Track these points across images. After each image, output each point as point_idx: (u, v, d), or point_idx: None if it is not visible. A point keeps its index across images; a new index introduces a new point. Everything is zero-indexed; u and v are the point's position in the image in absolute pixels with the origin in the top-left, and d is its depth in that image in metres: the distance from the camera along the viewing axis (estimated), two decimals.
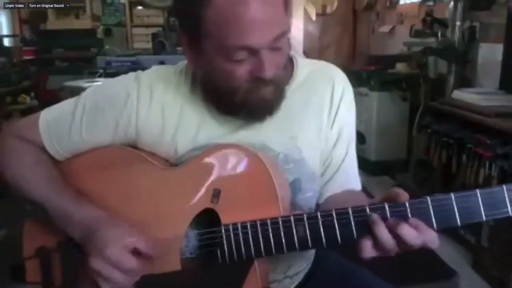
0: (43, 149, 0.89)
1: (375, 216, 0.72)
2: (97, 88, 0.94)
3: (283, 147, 0.87)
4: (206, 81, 0.86)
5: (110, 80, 0.94)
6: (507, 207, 0.72)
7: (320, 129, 0.91)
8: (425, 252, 0.76)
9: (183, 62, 0.92)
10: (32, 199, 0.85)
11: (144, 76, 0.89)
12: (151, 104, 0.86)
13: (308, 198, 0.89)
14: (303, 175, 0.88)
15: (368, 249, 0.71)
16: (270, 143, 0.86)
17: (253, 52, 0.74)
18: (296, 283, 0.96)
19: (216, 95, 0.83)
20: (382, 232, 0.70)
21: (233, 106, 0.82)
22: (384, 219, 0.72)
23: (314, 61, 0.96)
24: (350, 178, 0.94)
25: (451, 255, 2.36)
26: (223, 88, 0.80)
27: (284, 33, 0.76)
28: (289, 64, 0.91)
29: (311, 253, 1.00)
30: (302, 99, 0.90)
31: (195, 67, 0.87)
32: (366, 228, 0.73)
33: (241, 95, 0.79)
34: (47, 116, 0.90)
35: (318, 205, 0.93)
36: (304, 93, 0.90)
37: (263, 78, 0.76)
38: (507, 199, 0.72)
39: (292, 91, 0.88)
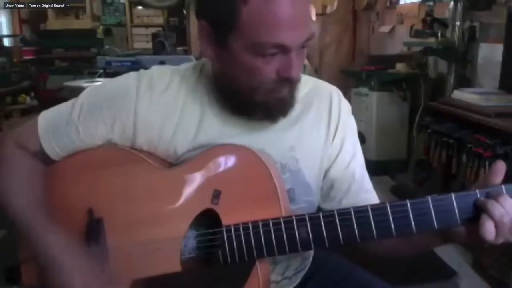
0: (39, 155, 0.88)
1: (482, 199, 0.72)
2: (96, 87, 0.93)
3: (281, 156, 0.87)
4: (222, 77, 0.84)
5: (109, 79, 0.93)
6: None
7: (319, 143, 0.91)
8: (425, 252, 0.77)
9: (186, 64, 0.92)
10: (6, 211, 0.83)
11: (145, 74, 0.88)
12: (150, 102, 0.85)
13: (302, 209, 0.87)
14: (298, 186, 0.88)
15: (492, 229, 0.70)
16: (269, 151, 0.86)
17: (285, 50, 0.75)
18: (294, 284, 0.95)
19: (233, 93, 0.82)
20: (495, 206, 0.70)
21: (250, 105, 0.81)
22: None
23: (313, 78, 0.98)
24: (366, 189, 0.97)
25: (451, 255, 2.35)
26: (244, 86, 0.79)
27: (313, 35, 0.77)
28: None
29: (310, 253, 0.99)
30: (301, 112, 0.90)
31: (213, 61, 0.84)
32: (368, 229, 0.73)
33: (262, 93, 0.79)
34: (46, 116, 0.89)
35: None
36: (304, 107, 0.91)
37: (290, 78, 0.77)
38: None
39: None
